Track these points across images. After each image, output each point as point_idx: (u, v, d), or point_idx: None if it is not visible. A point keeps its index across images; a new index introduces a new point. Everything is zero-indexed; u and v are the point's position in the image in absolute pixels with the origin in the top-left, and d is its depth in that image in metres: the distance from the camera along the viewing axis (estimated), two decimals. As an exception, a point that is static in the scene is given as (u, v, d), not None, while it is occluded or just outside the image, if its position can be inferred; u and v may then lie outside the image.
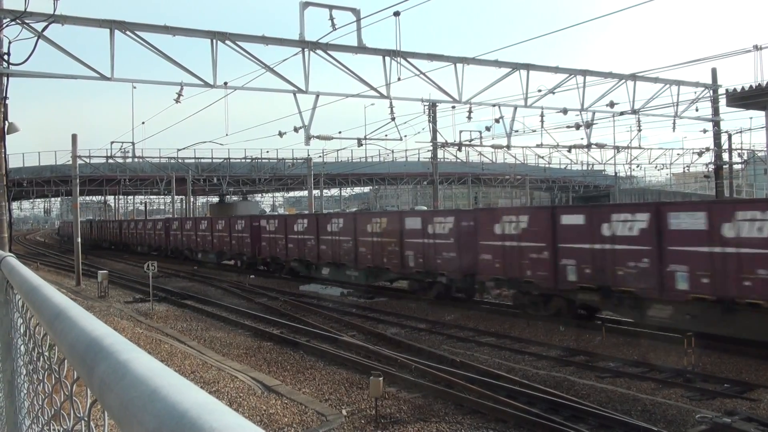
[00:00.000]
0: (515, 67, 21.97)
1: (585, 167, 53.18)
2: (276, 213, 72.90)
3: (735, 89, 25.77)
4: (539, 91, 23.58)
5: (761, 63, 25.04)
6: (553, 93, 23.59)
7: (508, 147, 28.29)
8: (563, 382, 11.99)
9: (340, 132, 29.20)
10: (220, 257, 37.27)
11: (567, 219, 16.82)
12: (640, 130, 29.45)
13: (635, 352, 14.08)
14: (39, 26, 15.18)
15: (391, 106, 21.61)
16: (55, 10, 14.70)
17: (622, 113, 26.39)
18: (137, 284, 28.14)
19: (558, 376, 12.38)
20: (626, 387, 11.61)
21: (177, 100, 18.26)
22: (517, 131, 27.13)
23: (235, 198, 64.20)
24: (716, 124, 30.65)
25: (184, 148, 44.78)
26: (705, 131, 31.79)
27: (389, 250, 22.72)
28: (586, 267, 16.17)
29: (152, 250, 48.55)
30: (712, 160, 33.23)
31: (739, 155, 39.39)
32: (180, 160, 48.48)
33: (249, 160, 54.01)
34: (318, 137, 24.36)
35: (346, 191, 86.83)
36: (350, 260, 24.87)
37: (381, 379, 10.10)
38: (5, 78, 14.68)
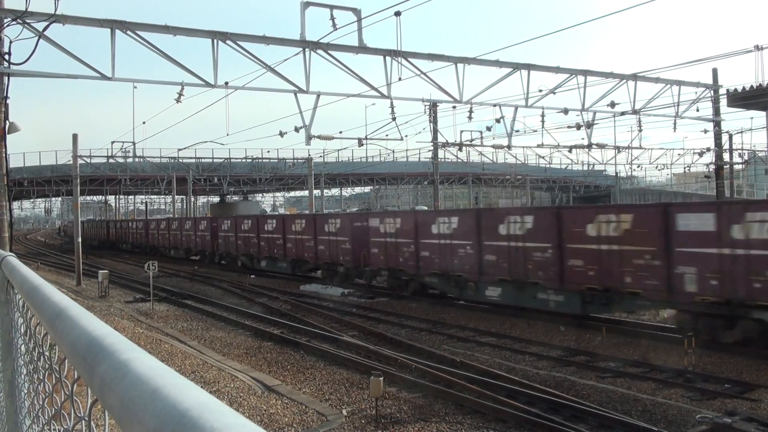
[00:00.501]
0: (516, 67, 21.97)
1: (586, 167, 53.19)
2: (276, 212, 72.74)
3: (736, 89, 25.79)
4: (540, 91, 23.59)
5: (762, 63, 25.06)
6: (554, 93, 23.60)
7: (509, 147, 28.30)
8: (563, 382, 11.99)
9: (340, 132, 29.26)
10: (297, 266, 29.59)
11: None
12: (640, 130, 29.46)
13: (636, 352, 14.07)
14: (40, 26, 15.20)
15: (392, 106, 21.62)
16: (56, 10, 14.71)
17: (622, 113, 26.38)
18: (138, 284, 28.15)
19: (558, 376, 12.38)
20: (627, 387, 11.61)
21: (178, 100, 18.27)
22: (517, 131, 27.17)
23: (235, 198, 64.25)
24: (717, 124, 30.63)
25: (184, 148, 44.72)
26: (706, 131, 31.80)
27: (638, 264, 15.05)
28: None
29: (191, 254, 42.25)
30: (713, 161, 33.21)
31: (740, 155, 39.39)
32: (181, 160, 48.47)
33: (250, 160, 54.02)
34: (319, 137, 24.36)
35: (347, 191, 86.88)
36: (548, 277, 17.26)
37: (381, 379, 10.10)
38: (6, 78, 14.68)
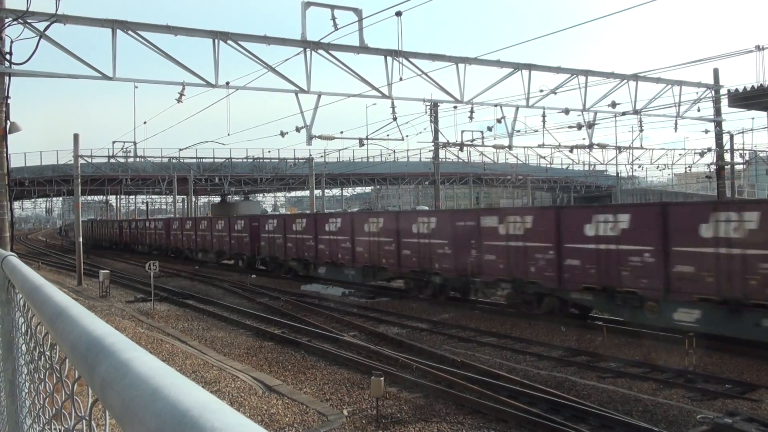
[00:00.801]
0: (517, 67, 21.97)
1: (587, 167, 53.17)
2: (277, 213, 72.60)
3: (737, 89, 25.82)
4: (541, 91, 23.60)
5: (763, 63, 25.06)
6: (555, 93, 23.60)
7: (510, 147, 28.27)
8: (564, 382, 11.99)
9: (341, 132, 29.35)
10: (370, 274, 24.49)
11: None
12: (641, 131, 29.44)
13: (636, 352, 14.07)
14: (41, 26, 15.22)
15: (393, 106, 21.62)
16: (57, 10, 14.72)
17: (624, 113, 26.38)
18: (138, 284, 28.16)
19: (559, 377, 12.37)
20: (627, 387, 11.61)
21: (179, 100, 18.30)
22: (518, 131, 27.12)
23: (236, 198, 64.28)
24: (718, 124, 30.61)
25: (185, 148, 44.82)
26: (707, 131, 31.77)
27: None
28: None
29: (223, 258, 37.60)
30: (714, 161, 33.19)
31: (741, 155, 39.34)
32: (182, 160, 48.51)
33: (251, 160, 54.06)
34: (320, 137, 24.37)
35: (348, 191, 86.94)
36: None
37: (382, 379, 10.10)
38: (7, 77, 14.69)
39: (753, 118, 36.45)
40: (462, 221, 20.40)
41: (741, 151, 38.85)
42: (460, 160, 42.52)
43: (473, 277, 19.59)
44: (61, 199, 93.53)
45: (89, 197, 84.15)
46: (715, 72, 29.24)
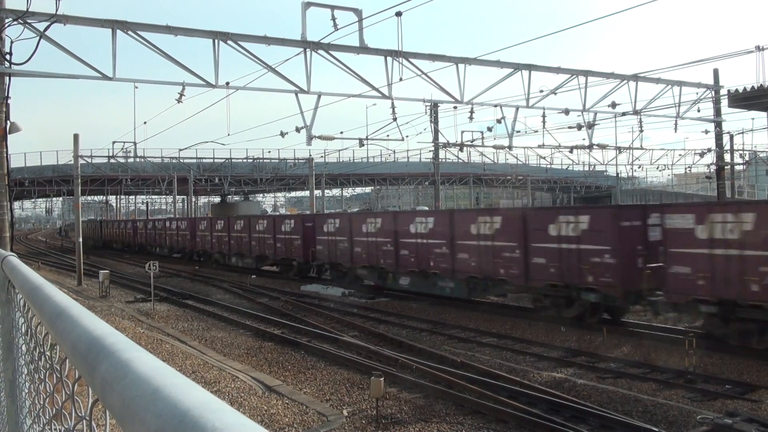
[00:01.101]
0: (517, 67, 21.97)
1: (587, 168, 53.13)
2: (274, 213, 72.50)
3: (737, 90, 25.82)
4: (541, 91, 23.59)
5: (763, 63, 25.05)
6: (555, 93, 23.58)
7: (510, 147, 28.24)
8: (564, 382, 11.99)
9: (341, 132, 29.29)
10: (480, 288, 20.13)
11: None
12: (641, 131, 29.41)
13: (636, 352, 14.07)
14: (41, 26, 15.22)
15: (393, 107, 21.58)
16: (57, 10, 14.72)
17: (623, 114, 26.36)
18: (138, 284, 28.16)
19: (559, 377, 12.38)
20: (627, 388, 11.61)
21: (179, 100, 18.30)
22: (518, 132, 27.06)
23: (236, 198, 64.28)
24: (718, 124, 30.59)
25: (185, 148, 44.66)
26: (707, 132, 31.75)
27: None
28: None
29: (266, 263, 33.03)
30: (714, 161, 33.16)
31: (741, 156, 39.32)
32: (182, 160, 48.50)
33: (251, 160, 54.04)
34: (320, 137, 24.34)
35: (348, 191, 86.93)
36: None
37: (382, 379, 10.10)
38: (7, 78, 14.69)
39: (753, 119, 36.46)
40: (629, 220, 16.04)
41: (741, 152, 38.85)
42: (460, 161, 42.50)
43: (650, 296, 15.44)
44: (61, 199, 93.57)
45: (89, 197, 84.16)
46: (715, 72, 29.25)
